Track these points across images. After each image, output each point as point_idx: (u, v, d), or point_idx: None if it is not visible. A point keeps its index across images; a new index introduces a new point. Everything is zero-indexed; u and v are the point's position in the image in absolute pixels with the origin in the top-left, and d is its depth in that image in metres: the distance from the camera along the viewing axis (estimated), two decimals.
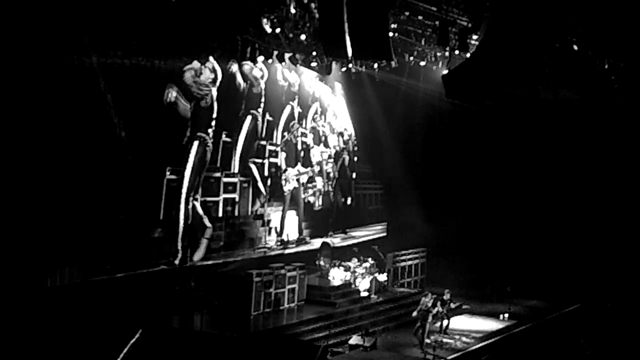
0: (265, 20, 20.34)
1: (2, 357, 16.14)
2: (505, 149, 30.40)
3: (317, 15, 19.49)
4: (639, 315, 23.85)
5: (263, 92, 25.46)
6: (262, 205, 25.47)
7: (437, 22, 21.17)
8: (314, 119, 29.00)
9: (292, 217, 27.22)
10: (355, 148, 31.88)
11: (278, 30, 20.74)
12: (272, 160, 26.37)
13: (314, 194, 28.61)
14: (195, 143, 22.33)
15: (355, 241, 29.59)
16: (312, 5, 19.69)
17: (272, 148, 26.42)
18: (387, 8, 17.18)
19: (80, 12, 17.62)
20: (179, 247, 21.86)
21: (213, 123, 22.90)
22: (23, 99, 16.93)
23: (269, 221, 25.73)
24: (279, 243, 26.19)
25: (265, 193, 25.65)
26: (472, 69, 16.46)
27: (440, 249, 29.12)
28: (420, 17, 21.54)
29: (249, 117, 25.03)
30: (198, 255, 22.56)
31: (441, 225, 30.26)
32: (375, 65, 26.16)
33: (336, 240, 28.78)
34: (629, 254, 27.64)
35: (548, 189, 29.84)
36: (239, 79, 24.24)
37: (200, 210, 22.63)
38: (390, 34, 19.56)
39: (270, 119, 26.13)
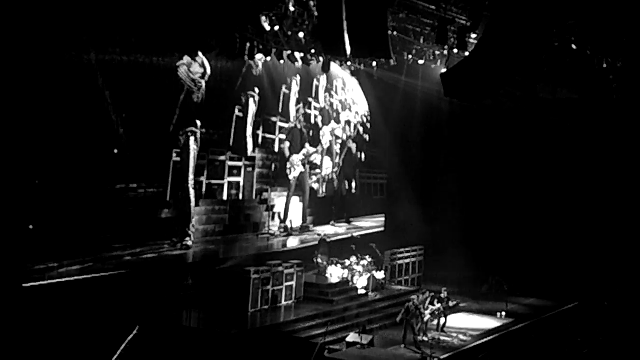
0: (264, 18, 20.35)
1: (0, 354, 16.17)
2: (504, 147, 30.39)
3: (315, 13, 19.51)
4: (636, 313, 23.88)
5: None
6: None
7: (436, 21, 21.16)
8: (327, 91, 28.60)
9: (296, 204, 27.12)
10: (368, 125, 31.53)
11: (277, 27, 20.74)
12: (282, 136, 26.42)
13: (318, 181, 28.43)
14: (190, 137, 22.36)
15: (359, 233, 29.51)
16: (311, 3, 19.70)
17: (283, 124, 26.42)
18: (386, 6, 17.17)
19: (79, 8, 17.61)
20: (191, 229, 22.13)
21: (201, 118, 22.84)
22: (22, 96, 16.94)
23: (272, 206, 25.73)
24: (282, 230, 26.17)
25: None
26: (471, 68, 16.49)
27: (437, 247, 29.13)
28: (419, 16, 21.54)
29: (250, 99, 24.90)
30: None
31: (439, 224, 30.28)
32: (374, 64, 26.14)
33: (340, 230, 28.69)
34: (626, 253, 27.65)
35: (546, 187, 29.85)
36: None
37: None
38: (389, 32, 19.55)
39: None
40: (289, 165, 26.60)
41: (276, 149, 26.17)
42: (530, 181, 30.13)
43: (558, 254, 28.64)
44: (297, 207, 27.18)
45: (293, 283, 22.79)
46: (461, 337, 21.98)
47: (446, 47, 22.11)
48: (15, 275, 17.16)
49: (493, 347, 21.58)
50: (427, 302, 21.35)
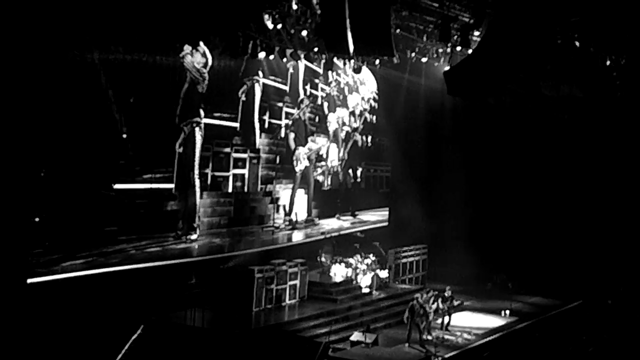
0: (266, 16, 20.37)
1: (3, 353, 16.16)
2: (507, 145, 30.35)
3: (318, 11, 19.47)
4: None
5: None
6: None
7: (439, 18, 21.13)
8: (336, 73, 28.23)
9: (301, 197, 26.99)
10: (375, 105, 31.13)
11: (280, 26, 20.72)
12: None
13: (323, 173, 28.30)
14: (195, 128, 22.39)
15: (363, 227, 29.35)
16: (314, 1, 19.67)
17: (288, 110, 26.32)
18: (389, 4, 17.15)
19: (82, 8, 17.61)
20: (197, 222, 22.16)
21: (206, 107, 22.85)
22: (25, 96, 16.98)
23: (277, 199, 25.69)
24: (287, 223, 26.12)
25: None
26: (474, 65, 16.48)
27: (441, 245, 29.11)
28: (422, 13, 21.50)
29: (255, 84, 24.83)
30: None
31: (442, 222, 30.26)
32: (377, 62, 26.09)
33: (345, 224, 28.60)
34: (630, 251, 27.60)
35: (550, 185, 29.80)
36: None
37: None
38: (392, 29, 19.50)
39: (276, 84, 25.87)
40: (294, 157, 26.47)
41: (282, 134, 26.00)
42: (534, 179, 30.08)
43: (562, 252, 28.60)
44: (302, 199, 27.01)
45: (297, 282, 22.79)
46: (465, 335, 21.95)
47: (449, 44, 22.09)
48: (19, 270, 17.17)
49: (497, 346, 21.56)
50: (432, 300, 21.31)
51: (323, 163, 28.18)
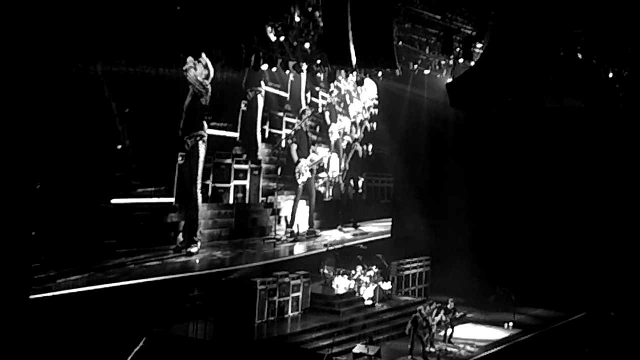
0: (269, 29, 20.41)
1: None
2: (510, 157, 30.36)
3: (321, 24, 19.51)
4: None
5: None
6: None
7: (441, 31, 21.17)
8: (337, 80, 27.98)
9: (303, 208, 26.90)
10: (376, 112, 30.68)
11: (282, 38, 20.77)
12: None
13: (324, 184, 28.17)
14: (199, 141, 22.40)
15: (366, 240, 29.24)
16: (317, 13, 19.71)
17: (289, 120, 26.26)
18: (391, 16, 17.17)
19: (86, 20, 17.67)
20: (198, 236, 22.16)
21: (208, 118, 22.82)
22: (29, 108, 16.99)
23: (279, 210, 25.61)
24: (289, 235, 26.05)
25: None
26: (477, 78, 16.45)
27: (444, 257, 29.07)
28: (424, 26, 21.55)
29: (258, 95, 24.86)
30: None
31: (445, 234, 30.23)
32: (380, 74, 26.13)
33: (347, 236, 28.56)
34: (633, 263, 27.55)
35: (552, 197, 29.80)
36: None
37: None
38: (395, 42, 19.54)
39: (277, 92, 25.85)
40: (297, 170, 26.43)
41: (283, 145, 25.97)
42: (537, 191, 30.07)
43: (565, 265, 28.56)
44: (303, 211, 26.93)
45: (299, 294, 22.76)
46: (468, 348, 21.92)
47: (452, 57, 22.11)
48: (21, 286, 17.15)
49: (500, 358, 21.51)
50: (435, 313, 21.28)
51: (324, 174, 28.10)
